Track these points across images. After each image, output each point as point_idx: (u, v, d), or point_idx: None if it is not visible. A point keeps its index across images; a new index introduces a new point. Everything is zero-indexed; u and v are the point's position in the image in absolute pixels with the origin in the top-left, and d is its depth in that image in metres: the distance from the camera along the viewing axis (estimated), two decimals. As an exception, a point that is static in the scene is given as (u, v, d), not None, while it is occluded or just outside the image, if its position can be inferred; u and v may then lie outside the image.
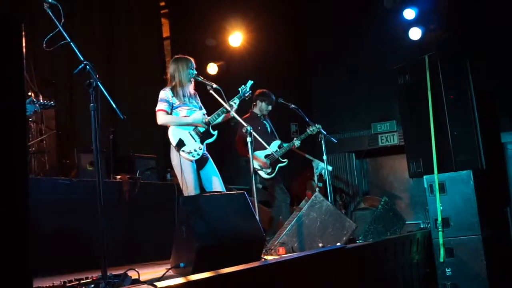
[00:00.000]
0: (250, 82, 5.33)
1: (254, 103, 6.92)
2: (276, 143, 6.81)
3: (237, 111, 5.17)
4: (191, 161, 5.06)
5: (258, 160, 6.61)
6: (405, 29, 9.01)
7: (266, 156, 6.68)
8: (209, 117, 5.19)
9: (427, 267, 6.67)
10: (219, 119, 5.26)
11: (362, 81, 9.62)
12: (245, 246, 4.05)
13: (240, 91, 5.27)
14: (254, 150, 6.47)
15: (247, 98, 5.35)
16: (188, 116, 5.15)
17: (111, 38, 7.88)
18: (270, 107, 6.92)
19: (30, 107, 4.31)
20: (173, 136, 5.09)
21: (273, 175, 6.68)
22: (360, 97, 9.79)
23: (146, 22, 8.60)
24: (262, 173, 6.64)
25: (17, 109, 1.78)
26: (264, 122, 6.92)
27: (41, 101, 4.45)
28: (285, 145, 6.78)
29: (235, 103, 5.18)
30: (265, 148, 6.39)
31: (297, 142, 6.79)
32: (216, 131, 5.24)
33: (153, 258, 5.45)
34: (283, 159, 6.75)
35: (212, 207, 4.06)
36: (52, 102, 4.62)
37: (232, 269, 3.28)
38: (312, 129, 6.82)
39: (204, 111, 5.31)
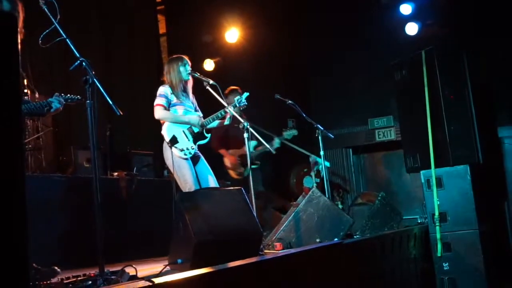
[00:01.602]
0: (245, 94, 5.37)
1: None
2: (252, 144, 6.86)
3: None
4: (185, 159, 5.08)
5: (230, 158, 6.63)
6: (401, 24, 9.00)
7: (240, 156, 6.70)
8: (204, 120, 5.24)
9: (425, 262, 6.69)
10: (214, 124, 5.34)
11: (359, 76, 9.61)
12: (243, 241, 4.05)
13: (235, 101, 5.31)
14: (228, 148, 6.54)
15: (241, 109, 5.37)
16: (184, 115, 5.20)
17: (107, 35, 7.86)
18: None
19: (56, 104, 4.06)
20: (167, 132, 5.12)
21: (243, 176, 6.67)
22: (357, 92, 9.77)
23: (143, 19, 8.59)
24: (232, 173, 6.66)
25: (13, 106, 1.78)
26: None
27: (68, 95, 4.20)
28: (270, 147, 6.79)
29: (227, 112, 5.24)
30: (241, 147, 6.46)
31: (276, 143, 6.79)
32: (210, 134, 5.31)
33: (151, 255, 5.44)
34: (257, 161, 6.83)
35: (210, 203, 4.07)
36: (78, 96, 4.30)
37: (230, 265, 3.29)
38: (287, 134, 6.83)
39: (200, 113, 5.36)
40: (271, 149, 6.50)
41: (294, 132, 6.89)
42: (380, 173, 10.02)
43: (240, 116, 6.79)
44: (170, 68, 5.31)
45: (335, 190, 9.34)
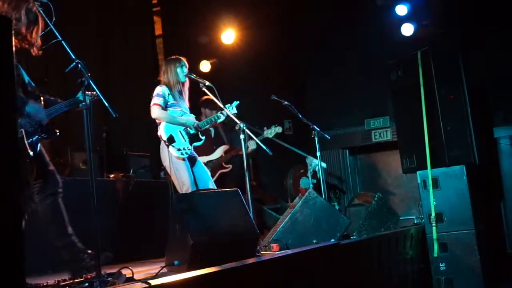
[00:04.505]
0: (235, 102, 5.43)
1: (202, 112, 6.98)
2: (221, 149, 6.90)
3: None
4: (182, 159, 5.11)
5: None
6: (397, 25, 9.02)
7: (207, 163, 6.73)
8: (199, 122, 5.30)
9: (421, 262, 6.70)
10: (208, 126, 5.51)
11: (355, 77, 9.61)
12: (240, 243, 4.05)
13: (226, 108, 5.34)
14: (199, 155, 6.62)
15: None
16: (181, 116, 5.24)
17: (103, 37, 7.84)
18: (214, 112, 6.97)
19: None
20: (165, 131, 5.16)
21: None
22: (353, 93, 9.78)
23: (139, 21, 8.57)
24: None
25: (8, 109, 1.78)
26: (209, 128, 6.99)
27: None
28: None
29: (220, 116, 5.43)
30: (209, 154, 6.68)
31: (252, 144, 6.83)
32: (204, 137, 5.38)
33: (148, 256, 5.45)
34: (227, 164, 6.87)
35: (206, 205, 4.07)
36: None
37: (227, 266, 3.29)
38: (268, 132, 6.81)
39: (192, 115, 5.42)
40: (267, 150, 6.50)
41: (277, 130, 6.88)
42: (376, 173, 10.03)
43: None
44: (168, 69, 5.34)
45: (331, 191, 9.35)
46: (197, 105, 5.70)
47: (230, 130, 7.34)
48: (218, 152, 6.96)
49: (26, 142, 3.61)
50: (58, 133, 3.98)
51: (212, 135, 7.07)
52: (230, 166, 6.94)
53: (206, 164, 6.76)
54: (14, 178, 1.75)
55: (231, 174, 6.96)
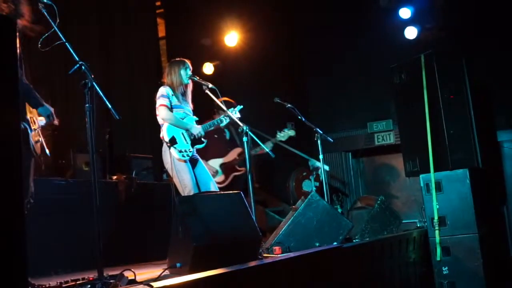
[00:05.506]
0: (239, 107, 5.44)
1: (215, 111, 6.98)
2: (234, 151, 6.91)
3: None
4: (184, 161, 5.11)
5: (209, 168, 6.66)
6: (401, 28, 9.01)
7: (221, 165, 6.73)
8: (201, 126, 5.31)
9: (424, 266, 6.67)
10: (210, 129, 5.50)
11: (358, 80, 9.61)
12: (242, 245, 4.05)
13: (229, 112, 5.34)
14: (209, 158, 6.59)
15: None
16: (183, 118, 5.24)
17: (106, 38, 7.85)
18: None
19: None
20: (167, 132, 5.15)
21: (225, 184, 6.71)
22: (356, 96, 9.78)
23: (142, 22, 8.58)
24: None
25: (11, 110, 1.77)
26: (225, 129, 6.98)
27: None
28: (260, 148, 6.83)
29: (222, 120, 5.46)
30: (222, 156, 6.66)
31: (269, 146, 6.84)
32: (206, 140, 5.37)
33: (150, 258, 5.44)
34: (240, 167, 6.89)
35: (208, 207, 4.07)
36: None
37: (229, 269, 3.28)
38: (281, 136, 6.84)
39: (195, 118, 5.42)
40: (270, 153, 6.49)
41: (290, 133, 6.88)
42: (379, 177, 10.01)
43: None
44: (172, 70, 5.34)
45: (334, 194, 9.33)
46: (198, 107, 5.67)
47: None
48: (232, 155, 6.95)
49: (29, 133, 3.67)
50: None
51: (227, 137, 7.06)
52: (244, 169, 6.92)
53: (220, 166, 6.77)
54: (18, 178, 1.74)
55: (244, 176, 6.96)
